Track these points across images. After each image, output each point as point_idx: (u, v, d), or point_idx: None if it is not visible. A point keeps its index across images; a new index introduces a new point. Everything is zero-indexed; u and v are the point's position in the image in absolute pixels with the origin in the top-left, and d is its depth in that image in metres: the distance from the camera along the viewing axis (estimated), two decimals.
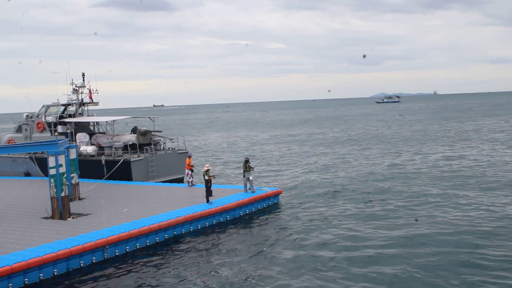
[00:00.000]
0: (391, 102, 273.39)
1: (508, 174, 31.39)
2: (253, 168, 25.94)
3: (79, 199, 25.66)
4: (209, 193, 23.02)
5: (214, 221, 22.15)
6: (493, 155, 40.23)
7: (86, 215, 22.09)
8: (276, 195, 26.33)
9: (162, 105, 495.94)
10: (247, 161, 25.66)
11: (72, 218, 21.47)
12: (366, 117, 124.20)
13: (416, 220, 21.24)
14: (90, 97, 35.20)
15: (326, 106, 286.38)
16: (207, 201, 22.85)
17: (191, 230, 21.05)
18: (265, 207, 25.16)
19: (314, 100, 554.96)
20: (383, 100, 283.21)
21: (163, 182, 30.36)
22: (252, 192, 25.13)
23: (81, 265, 17.04)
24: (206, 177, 23.23)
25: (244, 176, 25.54)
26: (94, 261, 17.40)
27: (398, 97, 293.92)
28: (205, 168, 23.90)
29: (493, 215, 21.62)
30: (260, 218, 23.41)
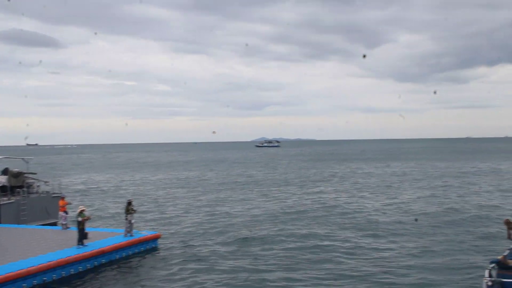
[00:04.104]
0: (271, 146, 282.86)
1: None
2: (135, 210, 25.58)
3: None
4: (83, 235, 22.30)
5: (89, 266, 21.40)
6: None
7: None
8: (155, 239, 26.07)
9: (36, 144, 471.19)
10: (129, 203, 25.28)
11: None
12: (246, 160, 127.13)
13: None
14: None
15: (208, 148, 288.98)
16: (78, 243, 22.14)
17: (63, 275, 20.15)
18: (143, 251, 24.79)
19: (195, 143, 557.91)
20: (263, 144, 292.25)
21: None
22: (131, 235, 24.71)
23: None
24: (80, 219, 22.50)
25: (126, 218, 25.09)
26: None
27: (278, 141, 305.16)
28: (79, 210, 23.15)
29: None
30: (137, 262, 23.01)
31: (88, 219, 23.16)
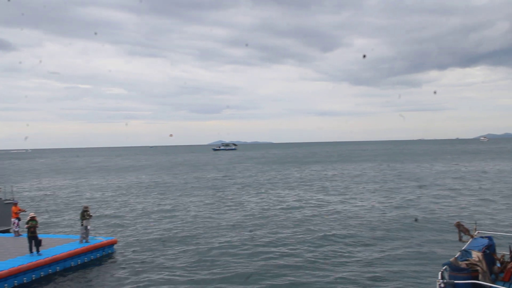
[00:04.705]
0: (228, 149, 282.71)
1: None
2: (91, 216, 25.13)
3: None
4: (37, 242, 21.75)
5: (42, 273, 20.89)
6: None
7: None
8: (111, 244, 25.71)
9: None
10: (85, 209, 24.82)
11: None
12: (203, 164, 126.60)
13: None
14: None
15: (165, 152, 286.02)
16: (30, 251, 21.59)
17: (15, 284, 19.59)
18: (99, 257, 24.39)
19: (151, 147, 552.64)
20: (220, 147, 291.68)
21: None
22: (86, 241, 24.27)
23: None
24: (26, 226, 21.88)
25: (82, 224, 24.61)
26: None
27: (235, 144, 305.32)
28: (29, 217, 22.49)
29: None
30: (93, 269, 22.61)
31: (36, 226, 22.26)
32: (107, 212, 41.02)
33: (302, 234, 29.17)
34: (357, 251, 24.55)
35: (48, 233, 29.60)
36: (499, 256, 14.65)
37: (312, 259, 23.12)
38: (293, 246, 26.13)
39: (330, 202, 43.19)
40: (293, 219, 34.60)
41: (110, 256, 25.01)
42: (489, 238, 15.46)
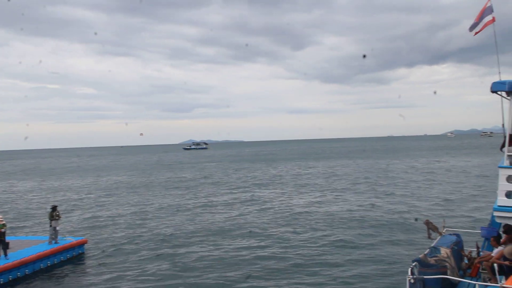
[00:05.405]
0: (199, 148, 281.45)
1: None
2: (60, 216, 24.73)
3: None
4: (5, 245, 21.28)
5: (11, 277, 20.46)
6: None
7: None
8: (81, 244, 25.38)
9: None
10: (54, 209, 24.42)
11: None
12: (174, 163, 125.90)
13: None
14: None
15: (136, 152, 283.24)
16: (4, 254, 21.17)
17: None
18: (69, 258, 24.06)
19: (122, 147, 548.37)
20: (190, 146, 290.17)
21: None
22: (56, 242, 23.90)
23: None
24: None
25: (50, 225, 24.20)
26: None
27: (206, 143, 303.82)
28: None
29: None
30: (64, 270, 22.30)
31: (2, 232, 21.63)
32: (77, 212, 40.45)
33: (270, 233, 29.32)
34: (329, 252, 24.73)
35: (16, 235, 29.03)
36: (466, 252, 15.02)
37: (272, 260, 23.26)
38: (262, 245, 26.24)
39: (299, 202, 43.45)
40: (263, 219, 34.72)
41: (80, 256, 24.72)
42: (457, 235, 15.84)
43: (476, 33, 11.18)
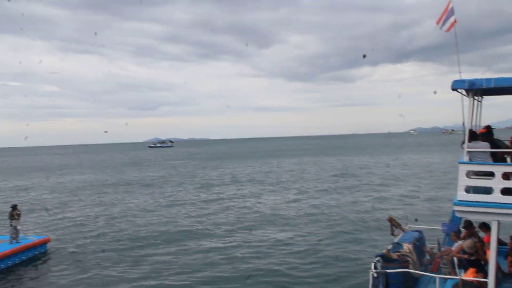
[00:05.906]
0: (165, 146, 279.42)
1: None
2: (20, 215, 24.20)
3: None
4: None
5: None
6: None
7: None
8: (44, 243, 24.94)
9: None
10: (14, 208, 23.89)
11: None
12: (139, 161, 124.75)
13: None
14: None
15: (100, 150, 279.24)
16: None
17: None
18: (32, 257, 23.60)
19: (85, 145, 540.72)
20: (156, 144, 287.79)
21: None
22: (17, 242, 23.40)
23: None
24: None
25: (11, 224, 23.67)
26: None
27: (171, 142, 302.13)
28: None
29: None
30: (26, 269, 21.87)
31: None
32: (40, 212, 39.67)
33: (236, 231, 29.41)
34: (294, 241, 24.96)
35: None
36: (428, 248, 15.42)
37: (230, 259, 23.36)
38: (225, 243, 26.31)
39: (265, 200, 43.64)
40: (228, 217, 34.79)
41: (43, 255, 24.27)
42: (419, 231, 16.26)
43: (447, 30, 11.49)
